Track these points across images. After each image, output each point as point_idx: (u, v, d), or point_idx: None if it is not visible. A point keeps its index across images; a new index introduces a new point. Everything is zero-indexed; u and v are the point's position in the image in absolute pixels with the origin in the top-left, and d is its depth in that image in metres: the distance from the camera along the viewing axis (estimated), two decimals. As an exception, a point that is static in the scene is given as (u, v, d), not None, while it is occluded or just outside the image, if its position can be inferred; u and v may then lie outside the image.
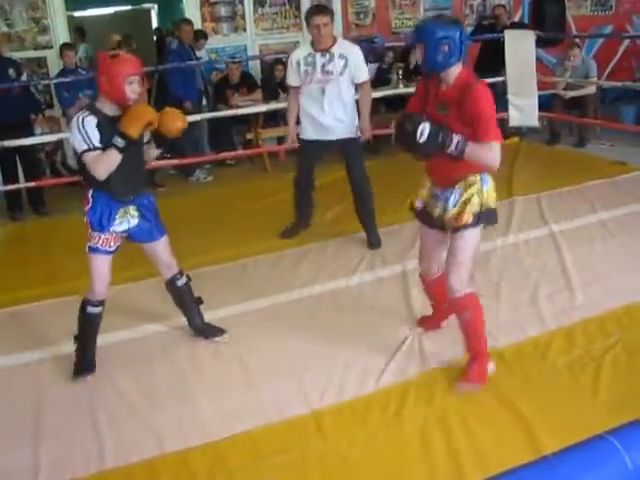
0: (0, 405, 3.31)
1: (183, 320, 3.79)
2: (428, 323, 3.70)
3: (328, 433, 2.92)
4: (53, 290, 4.49)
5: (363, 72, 4.76)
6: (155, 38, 11.05)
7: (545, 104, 7.49)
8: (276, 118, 7.65)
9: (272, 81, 7.87)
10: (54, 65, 7.43)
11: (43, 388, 3.42)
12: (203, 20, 8.18)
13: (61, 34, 7.59)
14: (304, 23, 5.22)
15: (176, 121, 3.25)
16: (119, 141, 3.06)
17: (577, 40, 8.21)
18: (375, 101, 7.45)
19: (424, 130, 2.84)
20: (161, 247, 3.50)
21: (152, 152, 3.42)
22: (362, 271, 4.57)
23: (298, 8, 8.47)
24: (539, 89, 7.18)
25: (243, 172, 7.65)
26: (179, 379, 3.42)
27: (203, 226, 5.60)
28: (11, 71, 6.21)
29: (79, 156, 3.16)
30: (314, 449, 2.82)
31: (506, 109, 7.10)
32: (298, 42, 8.16)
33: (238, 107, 7.43)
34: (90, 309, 3.38)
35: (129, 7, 11.75)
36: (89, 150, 3.09)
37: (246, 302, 4.19)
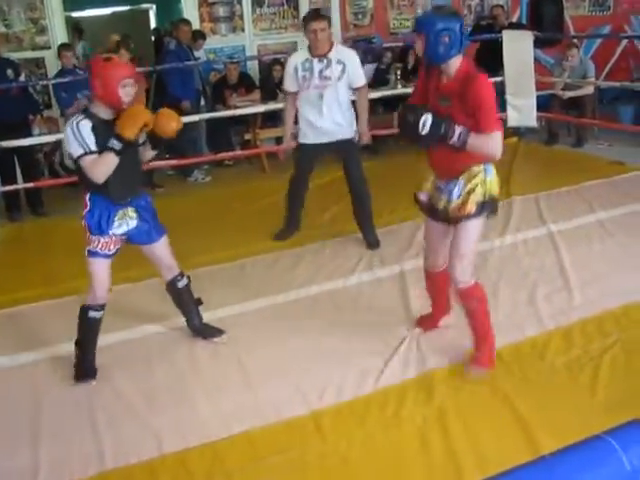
0: (-2, 406, 3.31)
1: (182, 321, 3.79)
2: (426, 323, 3.71)
3: (327, 433, 2.92)
4: (51, 291, 4.49)
5: (360, 77, 4.78)
6: (153, 38, 11.04)
7: (543, 104, 7.49)
8: (274, 118, 7.64)
9: (270, 81, 7.87)
10: (52, 65, 7.42)
11: (42, 389, 3.41)
12: (201, 20, 8.18)
13: (59, 35, 7.58)
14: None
15: (171, 122, 3.24)
16: (115, 144, 3.05)
17: (575, 40, 8.21)
18: (373, 101, 7.49)
19: (426, 121, 2.86)
20: (161, 248, 3.49)
21: (148, 153, 3.41)
22: (360, 271, 4.58)
23: (296, 8, 8.47)
24: (537, 89, 7.18)
25: (241, 172, 7.65)
26: (178, 380, 3.42)
27: (201, 226, 5.59)
28: (9, 71, 6.20)
29: (75, 161, 3.15)
30: (313, 449, 2.83)
31: (504, 109, 7.10)
32: (296, 42, 8.16)
33: (236, 107, 7.43)
34: (92, 314, 3.36)
35: (127, 7, 11.74)
36: (86, 154, 3.08)
37: (244, 302, 4.19)
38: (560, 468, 1.20)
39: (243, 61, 8.25)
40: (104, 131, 3.08)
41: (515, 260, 4.59)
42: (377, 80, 8.12)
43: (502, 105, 7.03)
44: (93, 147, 3.08)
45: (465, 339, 3.49)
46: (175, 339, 3.82)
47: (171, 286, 3.65)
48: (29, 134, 6.48)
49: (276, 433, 2.94)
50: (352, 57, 4.73)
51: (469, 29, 8.42)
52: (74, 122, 3.09)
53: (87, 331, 3.41)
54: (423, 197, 3.29)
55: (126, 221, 3.31)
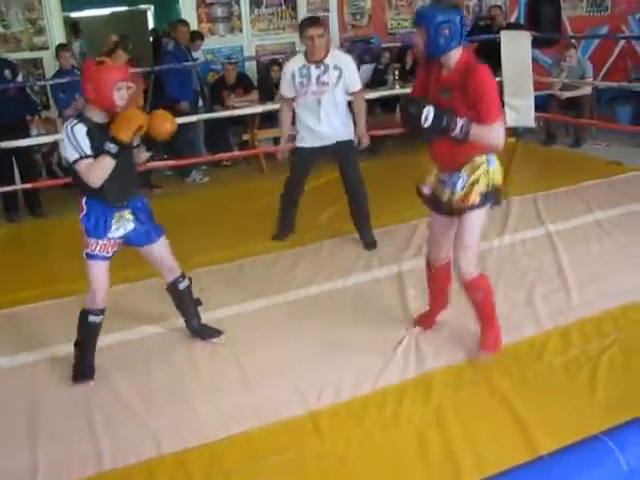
0: (-3, 407, 3.31)
1: (180, 321, 3.79)
2: (424, 320, 3.72)
3: (325, 434, 2.92)
4: (50, 291, 4.48)
5: (356, 82, 4.80)
6: (151, 39, 11.05)
7: (541, 105, 7.49)
8: (272, 119, 7.62)
9: (268, 82, 7.87)
10: (50, 66, 7.42)
11: (40, 390, 3.41)
12: (199, 21, 8.18)
13: (57, 35, 7.58)
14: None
15: (165, 123, 3.24)
16: (111, 147, 3.05)
17: (573, 41, 8.22)
18: (371, 102, 7.51)
19: (428, 114, 2.87)
20: (161, 249, 3.48)
21: (142, 155, 3.40)
22: (358, 272, 4.58)
23: (294, 9, 8.47)
24: (535, 90, 7.18)
25: (239, 173, 7.65)
26: (176, 380, 3.42)
27: (199, 227, 5.59)
28: (7, 72, 6.20)
29: (71, 165, 3.13)
30: (311, 450, 2.83)
31: (502, 109, 7.10)
32: (294, 43, 8.16)
33: (234, 108, 7.43)
34: (92, 318, 3.35)
35: (125, 8, 11.75)
36: (81, 158, 3.08)
37: (243, 303, 4.19)
38: (558, 468, 1.20)
39: (241, 62, 8.25)
40: (99, 135, 3.07)
41: (513, 260, 4.59)
42: (375, 80, 8.13)
43: (500, 105, 7.03)
44: (88, 151, 3.07)
45: (464, 340, 3.50)
46: (174, 340, 3.82)
47: (172, 288, 3.64)
48: (27, 135, 6.47)
49: (274, 433, 2.94)
50: (348, 62, 4.76)
51: (467, 29, 8.42)
52: (69, 127, 3.09)
53: (87, 334, 3.40)
54: (426, 190, 3.31)
55: (123, 224, 3.30)
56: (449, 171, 3.14)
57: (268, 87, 7.80)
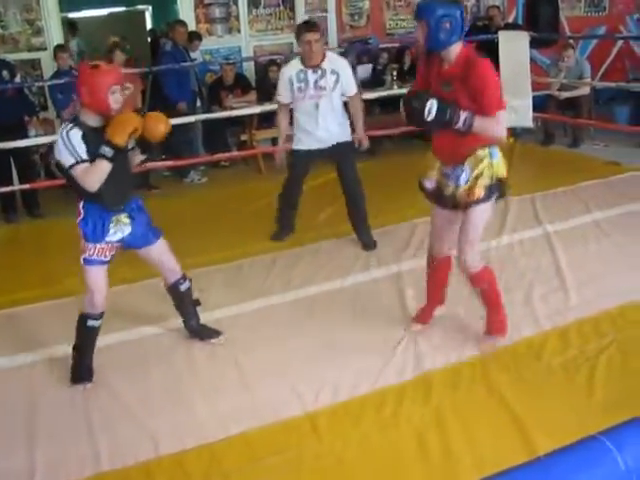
0: (-5, 408, 3.31)
1: (179, 322, 3.78)
2: (422, 315, 3.73)
3: (323, 434, 2.92)
4: (48, 292, 4.48)
5: (352, 85, 4.82)
6: (149, 39, 11.04)
7: (539, 105, 7.49)
8: (270, 119, 7.61)
9: (266, 82, 7.86)
10: (48, 67, 7.40)
11: (38, 390, 3.41)
12: (197, 21, 8.16)
13: (55, 36, 7.56)
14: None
15: (159, 125, 3.23)
16: (107, 150, 3.03)
17: (571, 41, 8.23)
18: (369, 102, 7.51)
19: (432, 107, 2.89)
20: (160, 250, 3.47)
21: (136, 158, 3.39)
22: (357, 272, 4.58)
23: (292, 9, 8.47)
24: (533, 90, 7.17)
25: (237, 173, 7.64)
26: (175, 381, 3.42)
27: (198, 227, 5.59)
28: (5, 73, 6.19)
29: (67, 170, 3.11)
30: (309, 450, 2.83)
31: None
32: (292, 43, 8.15)
33: (232, 108, 7.42)
34: (90, 323, 3.34)
35: (123, 8, 11.74)
36: (77, 163, 3.06)
37: (242, 303, 4.19)
38: (556, 468, 1.20)
39: (239, 62, 8.24)
40: (94, 139, 3.06)
41: (511, 260, 4.59)
42: (373, 81, 8.13)
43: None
44: (84, 156, 3.06)
45: (463, 340, 3.50)
46: (172, 340, 3.81)
47: (173, 289, 3.63)
48: (25, 135, 6.46)
49: (273, 434, 2.94)
50: (345, 66, 4.77)
51: (466, 30, 8.41)
52: (64, 131, 3.08)
53: (85, 338, 3.39)
54: (429, 184, 3.31)
55: (121, 228, 3.29)
56: (452, 164, 3.16)
57: (266, 87, 7.78)
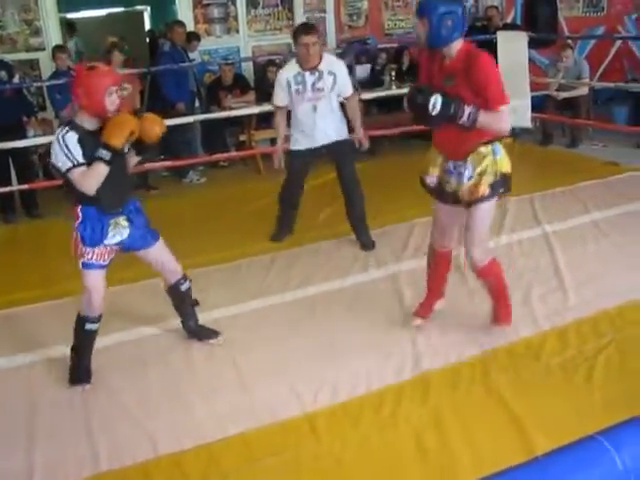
0: (-7, 408, 3.30)
1: (177, 322, 3.78)
2: (422, 310, 3.73)
3: (322, 435, 2.92)
4: (47, 292, 4.48)
5: (349, 86, 4.82)
6: (148, 40, 11.04)
7: (538, 105, 7.50)
8: (269, 120, 7.60)
9: (265, 82, 7.85)
10: (46, 67, 7.40)
11: (37, 391, 3.41)
12: (196, 22, 8.16)
13: (53, 36, 7.56)
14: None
15: (155, 126, 3.23)
16: (104, 153, 3.02)
17: (569, 41, 8.23)
18: (368, 102, 7.52)
19: (436, 102, 2.89)
20: (159, 251, 3.46)
21: (132, 160, 3.38)
22: (356, 272, 4.58)
23: (291, 10, 8.47)
24: (532, 90, 7.18)
25: (236, 174, 7.64)
26: (173, 381, 3.42)
27: (197, 227, 5.59)
28: (3, 73, 6.19)
29: (64, 174, 3.10)
30: (307, 451, 2.83)
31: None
32: (291, 44, 8.13)
33: (231, 109, 7.42)
34: (88, 326, 3.34)
35: (122, 9, 11.74)
36: (74, 167, 3.05)
37: (240, 304, 4.19)
38: (553, 469, 1.20)
39: (238, 62, 8.24)
40: (90, 142, 3.05)
41: (510, 261, 4.58)
42: (372, 81, 8.13)
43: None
44: (81, 159, 3.04)
45: (462, 340, 3.50)
46: (170, 341, 3.81)
47: (174, 289, 3.63)
48: (24, 136, 6.46)
49: (271, 434, 2.94)
50: (341, 67, 4.78)
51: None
52: (60, 135, 3.06)
53: (83, 340, 3.39)
54: (430, 180, 3.32)
55: (119, 231, 3.27)
56: (454, 160, 3.16)
57: (265, 88, 7.77)
